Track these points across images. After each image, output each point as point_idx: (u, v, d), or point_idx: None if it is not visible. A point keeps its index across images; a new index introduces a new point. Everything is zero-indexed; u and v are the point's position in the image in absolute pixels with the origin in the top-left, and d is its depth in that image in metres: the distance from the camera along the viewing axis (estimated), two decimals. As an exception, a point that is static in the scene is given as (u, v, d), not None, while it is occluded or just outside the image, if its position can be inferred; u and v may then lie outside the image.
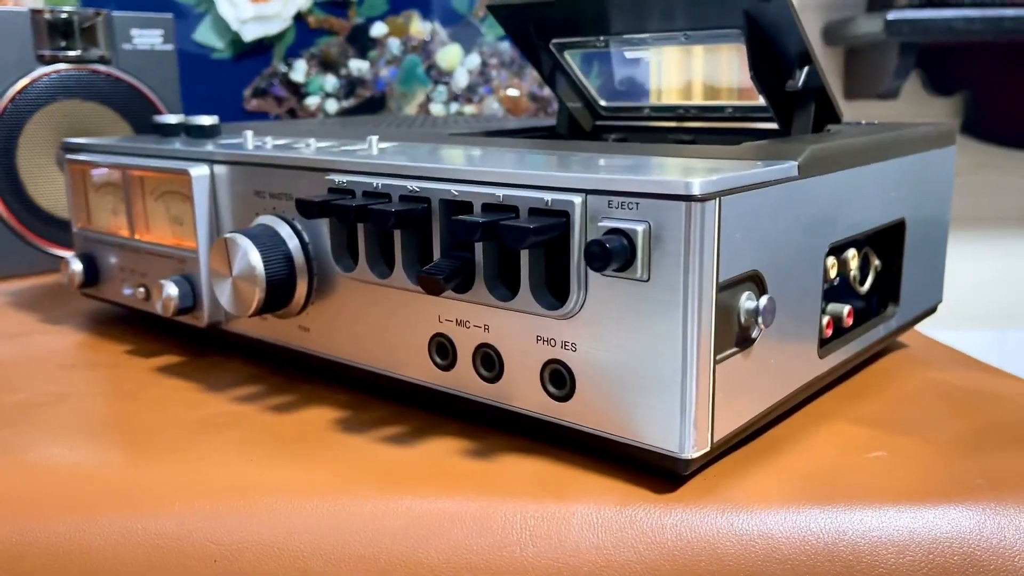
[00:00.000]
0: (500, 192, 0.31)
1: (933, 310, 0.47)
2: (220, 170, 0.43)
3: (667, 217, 0.27)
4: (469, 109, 0.89)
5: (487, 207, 0.32)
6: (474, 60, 0.89)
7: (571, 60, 0.47)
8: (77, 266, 0.51)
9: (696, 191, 0.27)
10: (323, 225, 0.39)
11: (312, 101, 0.89)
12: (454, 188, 0.32)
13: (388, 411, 0.37)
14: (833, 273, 0.36)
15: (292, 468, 0.32)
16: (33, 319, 0.54)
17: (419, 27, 0.88)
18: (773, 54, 0.40)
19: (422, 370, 0.36)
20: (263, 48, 0.88)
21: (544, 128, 0.51)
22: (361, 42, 0.88)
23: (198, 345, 0.47)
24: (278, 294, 0.39)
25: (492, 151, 0.37)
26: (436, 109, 0.89)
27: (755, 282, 0.30)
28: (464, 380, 0.35)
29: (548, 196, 0.30)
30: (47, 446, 0.35)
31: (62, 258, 0.67)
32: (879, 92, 0.87)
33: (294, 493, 0.30)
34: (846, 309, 0.37)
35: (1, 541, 0.29)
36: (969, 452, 0.32)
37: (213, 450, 0.34)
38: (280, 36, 0.87)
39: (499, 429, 0.34)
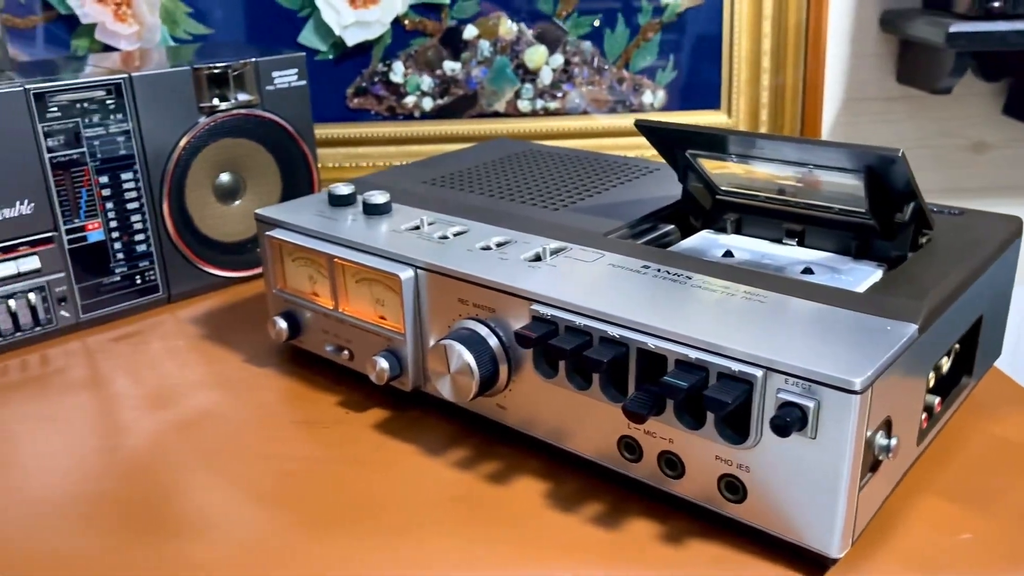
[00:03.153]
0: (693, 354, 0.41)
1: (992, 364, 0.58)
2: (422, 272, 0.53)
3: (833, 399, 0.38)
4: (554, 104, 0.97)
5: (680, 363, 0.42)
6: (558, 59, 0.95)
7: (701, 161, 0.56)
8: (283, 324, 0.61)
9: (858, 387, 0.37)
10: (512, 323, 0.49)
11: (409, 100, 0.96)
12: (651, 342, 0.43)
13: (581, 483, 0.48)
14: (932, 383, 0.47)
15: (517, 548, 0.44)
16: (236, 358, 0.64)
17: (507, 28, 0.94)
18: (886, 192, 0.49)
19: (611, 459, 0.47)
20: (363, 49, 0.95)
21: (672, 206, 0.60)
22: (454, 43, 0.95)
23: (396, 399, 0.58)
24: (488, 384, 0.50)
25: (674, 290, 0.46)
26: (523, 105, 0.96)
27: (887, 424, 0.41)
28: (650, 472, 0.46)
29: (736, 366, 0.40)
30: (326, 533, 0.46)
31: (221, 277, 0.77)
32: (934, 88, 0.95)
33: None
34: (936, 400, 0.48)
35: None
36: (1031, 530, 0.44)
37: (451, 529, 0.45)
38: (379, 39, 0.94)
39: (679, 509, 0.46)
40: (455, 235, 0.56)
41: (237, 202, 0.77)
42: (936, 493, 0.47)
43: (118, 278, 0.70)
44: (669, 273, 0.49)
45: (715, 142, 0.53)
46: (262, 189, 0.78)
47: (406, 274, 0.53)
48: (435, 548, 0.44)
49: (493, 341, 0.50)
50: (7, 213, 0.63)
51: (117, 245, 0.69)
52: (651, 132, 0.55)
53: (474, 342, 0.50)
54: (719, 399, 0.39)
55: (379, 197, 0.61)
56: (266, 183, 0.78)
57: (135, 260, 0.70)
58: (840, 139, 1.05)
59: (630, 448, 0.46)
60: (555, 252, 0.53)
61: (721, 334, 0.41)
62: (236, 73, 0.73)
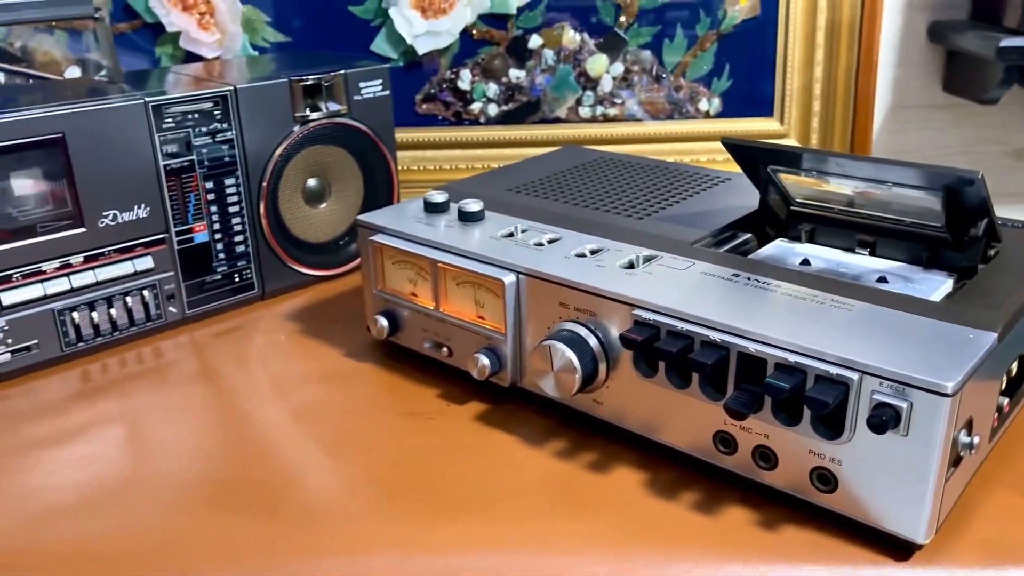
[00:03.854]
0: (792, 358, 0.45)
1: (1050, 366, 0.62)
2: (524, 277, 0.57)
3: (926, 401, 0.42)
4: (613, 111, 1.01)
5: (779, 366, 0.46)
6: (618, 68, 0.99)
7: (781, 176, 0.60)
8: (384, 323, 0.65)
9: (950, 391, 0.41)
10: (609, 326, 0.53)
11: (475, 106, 1.00)
12: (752, 346, 0.47)
13: (676, 473, 0.53)
14: (1004, 386, 0.51)
15: (624, 533, 0.48)
16: (336, 353, 0.69)
17: (570, 38, 0.98)
18: (962, 209, 0.53)
19: (705, 451, 0.51)
20: (431, 57, 0.99)
21: (749, 216, 0.64)
22: (519, 52, 0.99)
23: (491, 393, 0.62)
24: (588, 381, 0.54)
25: (765, 297, 0.51)
26: (584, 112, 1.01)
27: (969, 424, 0.45)
28: (743, 464, 0.50)
29: (834, 370, 0.44)
30: (443, 518, 0.51)
31: (308, 275, 0.81)
32: (981, 99, 0.98)
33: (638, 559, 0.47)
34: (1005, 401, 0.52)
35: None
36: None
37: (563, 513, 0.50)
38: (447, 48, 0.98)
39: (769, 497, 0.50)
40: (549, 242, 0.61)
41: (323, 205, 0.81)
42: (1006, 486, 0.51)
43: (219, 276, 0.75)
44: (759, 281, 0.53)
45: (798, 159, 0.57)
46: (345, 193, 0.82)
47: (509, 279, 0.57)
48: (549, 531, 0.48)
49: (593, 341, 0.54)
50: (127, 217, 0.67)
51: (219, 246, 0.74)
52: (736, 148, 0.59)
53: (576, 342, 0.54)
54: (822, 399, 0.43)
55: (474, 205, 0.65)
56: (349, 188, 0.82)
57: (234, 260, 0.75)
58: (886, 145, 1.08)
59: (726, 442, 0.50)
60: (647, 260, 0.57)
61: (818, 340, 0.45)
62: (328, 84, 0.77)
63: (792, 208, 0.63)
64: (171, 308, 0.72)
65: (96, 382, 0.65)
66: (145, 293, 0.70)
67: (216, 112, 0.71)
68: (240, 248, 0.75)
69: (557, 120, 1.01)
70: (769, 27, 0.99)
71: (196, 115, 0.70)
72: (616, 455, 0.55)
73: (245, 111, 0.73)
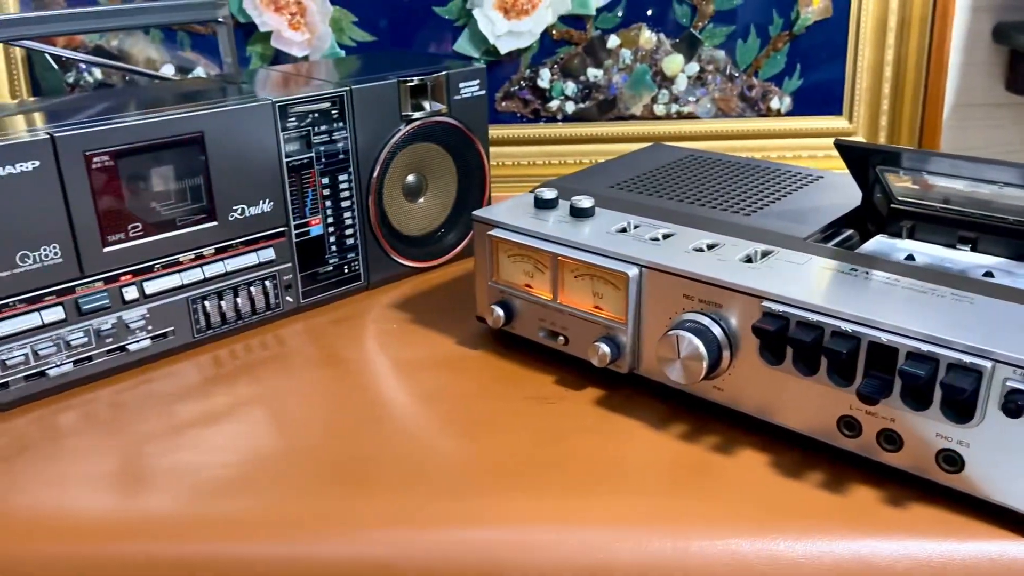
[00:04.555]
0: (925, 347, 0.49)
1: None
2: (646, 270, 0.60)
3: (1058, 388, 0.45)
4: (687, 109, 1.04)
5: (911, 355, 0.49)
6: (693, 67, 1.02)
7: (887, 175, 0.63)
8: (500, 312, 0.69)
9: (1083, 378, 0.44)
10: (733, 316, 0.56)
11: (553, 104, 1.03)
12: (884, 336, 0.50)
13: (799, 454, 0.56)
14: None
15: (760, 510, 0.52)
16: (449, 341, 0.73)
17: (647, 38, 1.01)
18: (1070, 208, 0.56)
19: (827, 434, 0.55)
20: (512, 56, 1.02)
21: (852, 212, 0.67)
22: (597, 52, 1.02)
23: (606, 379, 0.66)
24: (714, 368, 0.58)
25: (888, 290, 0.54)
26: (659, 109, 1.04)
27: (1090, 410, 0.48)
28: (866, 446, 0.53)
29: (967, 358, 0.47)
30: (586, 494, 0.54)
31: (408, 267, 0.85)
32: (1047, 98, 1.01)
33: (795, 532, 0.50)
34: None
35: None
36: None
37: (693, 491, 0.53)
38: (528, 47, 1.01)
39: (891, 476, 0.53)
40: (664, 237, 0.64)
41: (420, 200, 0.85)
42: (1112, 470, 0.54)
43: (331, 268, 0.78)
44: (877, 275, 0.56)
45: (910, 160, 0.60)
46: (441, 189, 0.86)
47: (632, 272, 0.61)
48: (688, 507, 0.52)
49: (717, 330, 0.58)
50: (253, 211, 0.71)
51: (332, 238, 0.77)
52: (847, 149, 0.62)
53: (702, 332, 0.57)
54: (959, 387, 0.46)
55: (586, 201, 0.68)
56: (445, 184, 0.86)
57: (344, 252, 0.79)
58: (950, 142, 1.11)
59: (850, 426, 0.53)
60: (765, 255, 0.60)
61: (947, 330, 0.49)
62: (432, 84, 0.81)
63: (892, 205, 0.66)
64: (287, 297, 0.76)
65: (228, 367, 0.69)
66: (266, 283, 0.74)
67: (333, 112, 0.74)
68: (350, 240, 0.79)
69: (632, 117, 1.04)
70: (840, 27, 1.02)
71: (316, 114, 0.73)
72: (737, 438, 0.58)
73: (358, 110, 0.76)
